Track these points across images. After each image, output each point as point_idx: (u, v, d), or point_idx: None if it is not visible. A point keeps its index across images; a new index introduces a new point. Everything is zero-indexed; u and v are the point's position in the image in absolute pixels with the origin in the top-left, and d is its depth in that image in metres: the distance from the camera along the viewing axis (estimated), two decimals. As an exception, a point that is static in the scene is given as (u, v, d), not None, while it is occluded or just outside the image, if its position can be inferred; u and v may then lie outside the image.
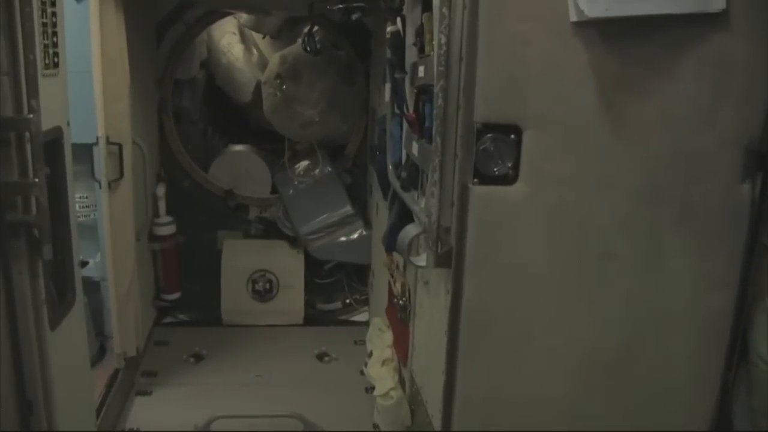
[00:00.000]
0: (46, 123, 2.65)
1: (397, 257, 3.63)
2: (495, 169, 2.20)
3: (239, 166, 6.21)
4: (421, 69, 2.63)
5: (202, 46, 6.41)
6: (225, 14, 5.83)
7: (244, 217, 6.15)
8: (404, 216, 3.09)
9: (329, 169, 5.90)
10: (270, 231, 6.10)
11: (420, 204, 2.71)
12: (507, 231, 2.27)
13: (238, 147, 6.47)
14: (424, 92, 2.59)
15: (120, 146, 4.05)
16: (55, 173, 2.83)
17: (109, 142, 3.95)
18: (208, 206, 6.06)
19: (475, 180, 2.20)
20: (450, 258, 2.35)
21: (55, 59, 2.77)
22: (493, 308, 2.35)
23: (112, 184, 4.04)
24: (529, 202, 2.25)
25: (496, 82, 2.15)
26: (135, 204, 4.43)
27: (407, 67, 2.93)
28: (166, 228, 5.53)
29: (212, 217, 6.10)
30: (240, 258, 5.96)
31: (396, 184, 3.13)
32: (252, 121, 7.14)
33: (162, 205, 5.53)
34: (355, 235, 5.72)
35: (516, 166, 2.21)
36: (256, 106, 6.26)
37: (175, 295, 5.76)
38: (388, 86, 3.32)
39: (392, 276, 3.88)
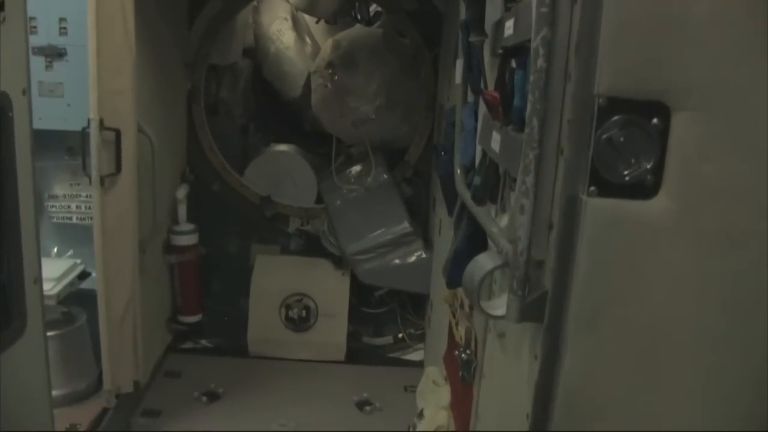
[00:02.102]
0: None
1: (463, 293, 2.88)
2: (625, 173, 1.45)
3: (280, 169, 5.61)
4: (509, 24, 1.88)
5: (247, 31, 5.91)
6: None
7: (282, 230, 5.52)
8: (475, 240, 2.36)
9: (385, 177, 5.18)
10: (311, 247, 5.44)
11: (499, 224, 1.96)
12: (639, 270, 1.52)
13: (281, 147, 5.87)
14: (514, 55, 1.84)
15: (117, 132, 3.42)
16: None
17: (103, 127, 3.31)
18: (240, 214, 5.46)
19: (592, 188, 1.46)
20: (542, 308, 1.60)
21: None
22: (606, 388, 1.59)
23: (107, 181, 3.40)
24: (677, 226, 1.48)
25: (631, 32, 1.41)
26: (139, 207, 3.79)
27: (488, 29, 2.19)
28: (186, 237, 4.91)
29: (245, 228, 5.51)
30: (274, 277, 5.31)
31: (465, 194, 2.38)
32: (306, 122, 6.57)
33: (182, 210, 4.91)
34: (413, 258, 4.96)
35: (658, 168, 1.46)
36: (307, 103, 5.61)
37: (195, 318, 5.15)
38: (459, 63, 2.59)
39: (454, 316, 3.13)
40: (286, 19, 5.96)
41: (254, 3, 5.82)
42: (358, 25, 5.53)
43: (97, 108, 3.27)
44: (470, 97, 2.58)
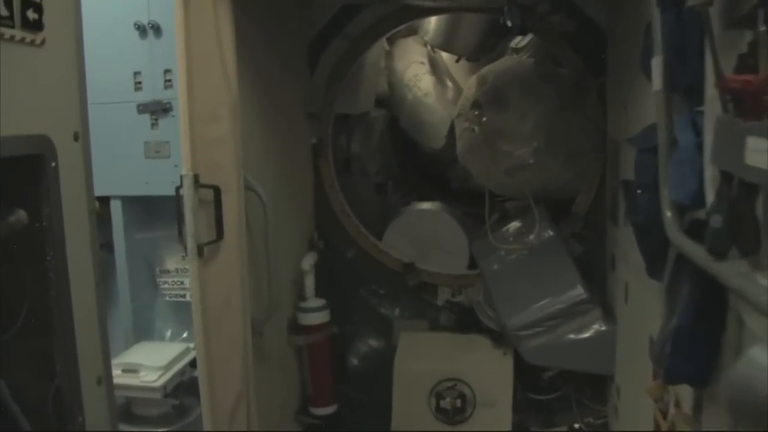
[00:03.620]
0: (12, 126, 1.55)
1: (680, 388, 2.11)
2: None
3: (425, 231, 5.00)
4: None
5: (378, 77, 5.48)
6: (400, 21, 4.70)
7: (429, 302, 4.90)
8: (707, 310, 1.62)
9: (551, 233, 4.46)
10: (465, 322, 4.78)
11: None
12: None
13: (424, 205, 5.30)
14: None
15: (216, 190, 2.92)
16: (38, 218, 1.74)
17: (198, 185, 2.83)
18: (379, 285, 4.90)
19: None
20: None
21: (35, 16, 1.67)
22: None
23: (206, 250, 2.88)
24: None
25: None
26: (252, 281, 3.27)
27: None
28: (315, 315, 4.34)
29: (385, 301, 4.93)
30: (421, 359, 4.65)
31: (685, 244, 1.66)
32: (451, 177, 6.07)
33: (310, 283, 4.38)
34: (590, 332, 4.14)
35: None
36: (452, 155, 5.10)
37: (329, 409, 4.54)
38: (657, 61, 1.89)
39: (664, 417, 2.35)
40: (422, 63, 5.54)
41: (386, 48, 5.44)
42: (505, 57, 4.96)
43: (190, 161, 2.76)
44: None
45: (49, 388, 1.91)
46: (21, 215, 1.72)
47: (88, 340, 1.98)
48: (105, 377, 2.10)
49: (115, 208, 4.17)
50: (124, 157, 3.98)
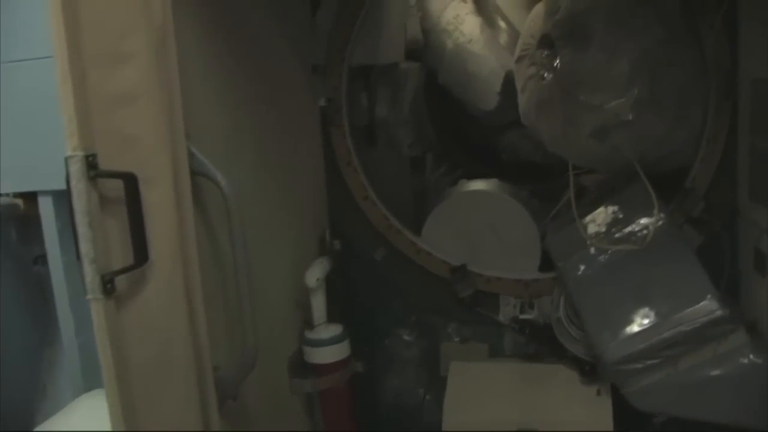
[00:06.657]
0: None
1: None
2: None
3: (479, 220, 4.03)
4: None
5: (409, 21, 4.56)
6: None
7: (489, 318, 3.96)
8: None
9: (664, 220, 3.37)
10: (540, 346, 3.83)
11: None
12: None
13: (477, 184, 4.33)
14: None
15: (129, 180, 1.78)
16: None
17: (98, 172, 1.68)
18: (419, 298, 4.00)
19: None
20: None
21: None
22: None
23: (118, 282, 1.80)
24: None
25: None
26: (218, 318, 2.23)
27: None
28: (329, 350, 3.38)
29: (429, 318, 4.01)
30: (480, 402, 3.67)
31: None
32: (504, 149, 5.13)
33: (319, 304, 3.41)
34: (730, 365, 3.07)
35: None
36: (505, 118, 4.37)
37: (352, 477, 3.64)
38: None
39: None
40: (464, 0, 4.70)
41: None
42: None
43: (77, 133, 1.67)
44: None
45: None
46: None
47: None
48: None
49: (45, 206, 3.31)
50: (49, 137, 3.06)
